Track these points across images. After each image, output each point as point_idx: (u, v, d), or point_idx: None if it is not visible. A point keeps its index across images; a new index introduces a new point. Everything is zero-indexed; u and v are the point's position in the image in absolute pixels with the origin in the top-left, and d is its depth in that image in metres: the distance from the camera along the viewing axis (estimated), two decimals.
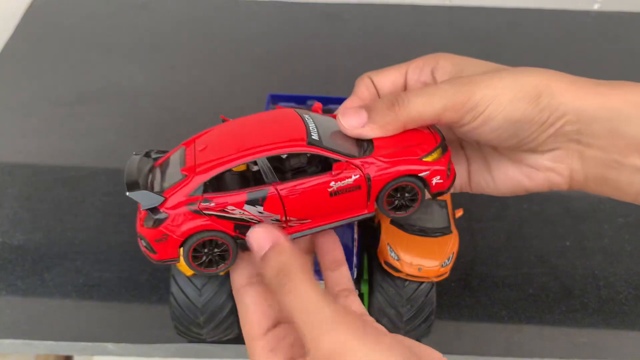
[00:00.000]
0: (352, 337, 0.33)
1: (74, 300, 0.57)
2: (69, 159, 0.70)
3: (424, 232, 0.51)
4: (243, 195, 0.38)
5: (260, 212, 0.38)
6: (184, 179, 0.38)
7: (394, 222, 0.51)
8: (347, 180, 0.38)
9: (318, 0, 0.95)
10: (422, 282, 0.50)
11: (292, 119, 0.40)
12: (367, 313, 0.41)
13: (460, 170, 0.46)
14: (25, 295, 0.58)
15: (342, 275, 0.42)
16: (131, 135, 0.73)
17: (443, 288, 0.57)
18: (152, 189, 0.38)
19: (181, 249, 0.39)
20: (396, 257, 0.49)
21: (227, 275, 0.50)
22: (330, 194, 0.38)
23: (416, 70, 0.45)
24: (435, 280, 0.50)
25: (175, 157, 0.40)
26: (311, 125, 0.40)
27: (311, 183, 0.38)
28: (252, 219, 0.38)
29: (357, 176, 0.38)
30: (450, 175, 0.41)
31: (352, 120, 0.40)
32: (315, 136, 0.39)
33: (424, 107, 0.40)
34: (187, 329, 0.51)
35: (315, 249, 0.43)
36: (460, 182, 0.47)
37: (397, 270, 0.49)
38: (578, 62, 0.87)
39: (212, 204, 0.37)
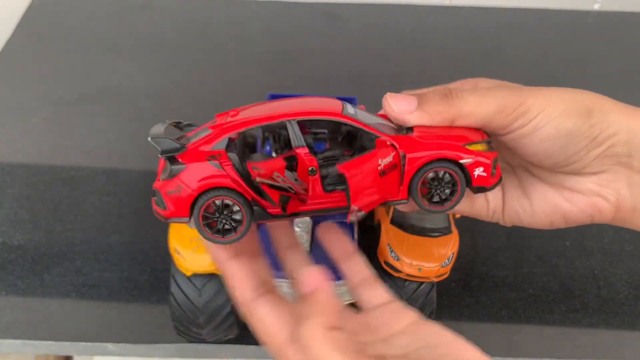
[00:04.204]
0: None
1: (74, 300, 0.57)
2: (69, 159, 0.70)
3: (424, 232, 0.51)
4: (281, 161, 0.37)
5: (295, 179, 0.37)
6: (210, 133, 0.36)
7: (394, 222, 0.51)
8: (387, 158, 0.36)
9: (318, 0, 0.95)
10: (422, 282, 0.50)
11: (330, 100, 0.39)
12: (396, 299, 0.40)
13: (495, 197, 0.43)
14: (25, 295, 0.58)
15: (357, 264, 0.42)
16: (131, 135, 0.73)
17: (443, 288, 0.57)
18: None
19: (193, 210, 0.36)
20: (396, 257, 0.49)
21: None
22: (380, 173, 0.36)
23: (458, 86, 0.43)
24: (435, 280, 0.50)
25: (204, 128, 0.39)
26: (349, 107, 0.38)
27: (361, 157, 0.36)
28: (290, 187, 0.37)
29: (394, 153, 0.36)
30: (496, 174, 0.38)
31: (401, 104, 0.38)
32: (351, 111, 0.37)
33: (477, 105, 0.38)
34: (187, 329, 0.51)
35: (324, 247, 0.42)
36: (494, 209, 0.43)
37: (397, 271, 0.49)
38: (578, 62, 0.87)
39: (262, 171, 0.36)
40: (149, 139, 0.35)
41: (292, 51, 0.87)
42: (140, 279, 0.59)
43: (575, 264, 0.61)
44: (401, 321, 0.39)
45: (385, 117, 0.40)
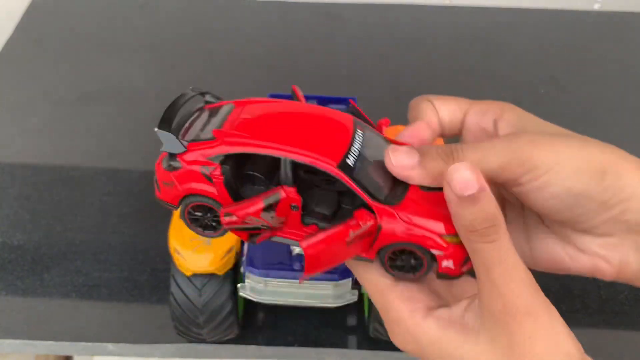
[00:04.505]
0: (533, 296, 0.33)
1: (73, 300, 0.57)
2: (69, 159, 0.70)
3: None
4: (260, 203, 0.36)
5: (272, 217, 0.36)
6: (211, 140, 0.36)
7: None
8: (362, 228, 0.35)
9: (318, 0, 0.95)
10: None
11: (342, 130, 0.37)
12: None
13: None
14: (25, 295, 0.58)
15: None
16: (131, 135, 0.73)
17: None
18: (185, 133, 0.37)
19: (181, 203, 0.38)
20: None
21: (227, 276, 0.50)
22: (347, 243, 0.35)
23: (478, 113, 0.41)
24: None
25: (222, 111, 0.39)
26: (356, 145, 0.36)
27: (330, 232, 0.35)
28: (263, 226, 0.37)
29: (372, 223, 0.35)
30: (466, 266, 0.37)
31: (402, 159, 0.37)
32: (351, 160, 0.35)
33: (479, 164, 0.36)
34: (187, 329, 0.51)
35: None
36: None
37: None
38: (578, 62, 0.87)
39: (234, 218, 0.36)
40: (156, 129, 0.36)
41: (292, 51, 0.87)
42: (140, 279, 0.59)
43: None
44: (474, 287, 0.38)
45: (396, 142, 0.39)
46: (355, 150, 0.36)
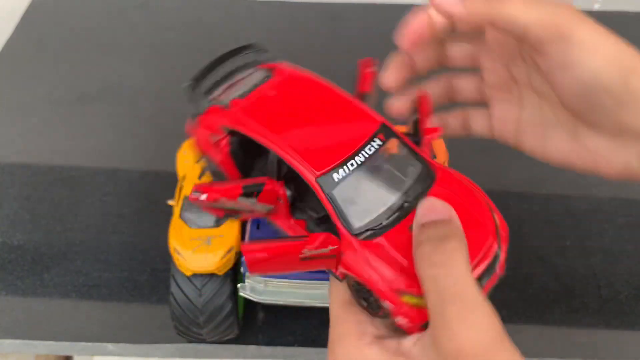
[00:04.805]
0: (494, 342, 0.29)
1: (73, 300, 0.57)
2: (69, 159, 0.70)
3: None
4: (238, 189, 0.34)
5: (254, 204, 0.35)
6: (224, 109, 0.36)
7: None
8: (322, 250, 0.32)
9: (318, 0, 0.95)
10: None
11: (358, 134, 0.34)
12: None
13: (509, 117, 0.43)
14: (25, 295, 0.57)
15: None
16: (131, 135, 0.73)
17: None
18: (227, 89, 0.38)
19: None
20: None
21: (227, 275, 0.50)
22: (302, 258, 0.33)
23: None
24: None
25: (257, 77, 0.39)
26: (362, 156, 0.33)
27: (278, 244, 0.32)
28: (245, 209, 0.35)
29: (333, 248, 0.32)
30: (414, 327, 0.32)
31: None
32: (340, 174, 0.32)
33: (520, 10, 0.36)
34: (187, 329, 0.51)
35: None
36: (502, 130, 0.43)
37: None
38: None
39: (203, 197, 0.33)
40: (187, 84, 0.37)
41: (292, 51, 0.86)
42: (140, 279, 0.59)
43: (575, 264, 0.61)
44: None
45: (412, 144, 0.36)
46: (355, 162, 0.33)
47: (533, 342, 0.55)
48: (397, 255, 0.32)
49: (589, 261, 0.61)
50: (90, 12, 0.93)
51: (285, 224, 0.37)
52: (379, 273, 0.32)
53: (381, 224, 0.33)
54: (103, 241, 0.62)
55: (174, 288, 0.50)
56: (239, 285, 0.50)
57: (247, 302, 0.53)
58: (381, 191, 0.33)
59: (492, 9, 0.37)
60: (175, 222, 0.50)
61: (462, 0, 0.37)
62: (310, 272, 0.47)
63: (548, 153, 0.42)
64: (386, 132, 0.35)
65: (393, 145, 0.35)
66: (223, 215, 0.37)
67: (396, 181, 0.34)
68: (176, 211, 0.51)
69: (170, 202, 0.58)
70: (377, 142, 0.34)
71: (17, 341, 0.54)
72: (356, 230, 0.32)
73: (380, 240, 0.32)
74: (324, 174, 0.32)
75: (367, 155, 0.34)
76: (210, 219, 0.50)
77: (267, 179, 0.35)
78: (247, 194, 0.34)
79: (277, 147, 0.34)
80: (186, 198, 0.51)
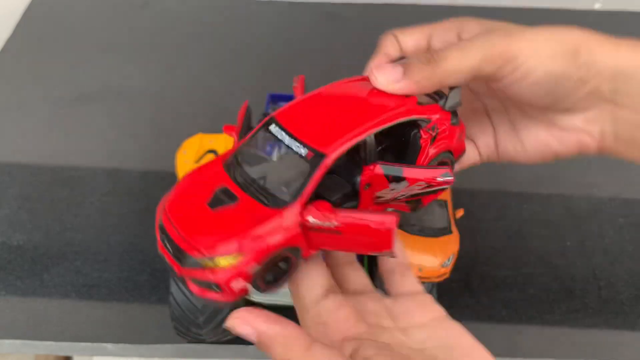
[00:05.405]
0: None
1: (73, 300, 0.57)
2: (69, 159, 0.70)
3: (424, 232, 0.51)
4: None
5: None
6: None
7: None
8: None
9: (318, 0, 0.95)
10: (422, 283, 0.50)
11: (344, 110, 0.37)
12: (425, 292, 0.40)
13: (487, 139, 0.45)
14: (24, 296, 0.57)
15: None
16: (131, 135, 0.73)
17: (443, 288, 0.57)
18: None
19: None
20: None
21: None
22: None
23: (441, 32, 0.44)
24: (436, 280, 0.50)
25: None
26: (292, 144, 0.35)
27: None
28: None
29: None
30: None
31: (388, 75, 0.38)
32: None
33: (460, 60, 0.38)
34: (187, 329, 0.51)
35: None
36: (488, 152, 0.45)
37: None
38: None
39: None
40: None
41: (292, 51, 0.87)
42: (140, 279, 0.59)
43: (575, 264, 0.61)
44: (425, 314, 0.38)
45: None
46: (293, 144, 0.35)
47: (533, 342, 0.55)
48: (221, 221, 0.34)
49: (589, 261, 0.61)
50: (90, 12, 0.93)
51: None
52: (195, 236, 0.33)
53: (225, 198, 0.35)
54: (103, 241, 0.62)
55: (174, 288, 0.49)
56: None
57: (247, 302, 0.53)
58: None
59: (435, 72, 0.38)
60: None
61: (404, 76, 0.38)
62: None
63: (530, 153, 0.44)
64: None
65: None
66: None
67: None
68: None
69: None
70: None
71: (17, 341, 0.54)
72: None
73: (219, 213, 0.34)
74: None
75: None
76: None
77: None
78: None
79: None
80: None
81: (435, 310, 0.38)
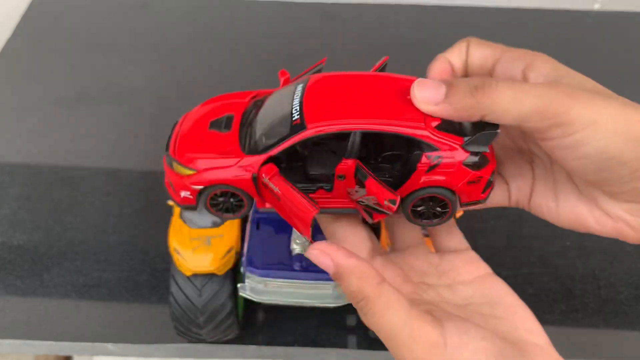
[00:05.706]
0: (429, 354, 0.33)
1: (73, 300, 0.57)
2: (69, 159, 0.70)
3: (423, 232, 0.50)
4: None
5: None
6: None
7: None
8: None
9: (318, 0, 0.95)
10: None
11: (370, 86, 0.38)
12: (471, 250, 0.40)
13: (523, 185, 0.41)
14: (24, 296, 0.57)
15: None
16: (131, 135, 0.73)
17: None
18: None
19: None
20: None
21: (227, 275, 0.50)
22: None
23: (509, 60, 0.39)
24: None
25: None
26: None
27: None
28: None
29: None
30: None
31: (428, 92, 0.35)
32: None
33: (510, 103, 0.34)
34: (187, 329, 0.51)
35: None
36: (519, 198, 0.41)
37: None
38: (578, 62, 0.86)
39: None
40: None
41: (292, 51, 0.87)
42: (140, 279, 0.59)
43: (575, 264, 0.61)
44: (471, 271, 0.38)
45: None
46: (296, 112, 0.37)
47: None
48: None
49: (589, 261, 0.61)
50: (90, 12, 0.93)
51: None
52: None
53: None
54: (103, 241, 0.62)
55: (174, 288, 0.50)
56: (238, 285, 0.50)
57: (247, 302, 0.53)
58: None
59: (480, 104, 0.34)
60: (175, 222, 0.51)
61: (445, 99, 0.35)
62: (310, 272, 0.47)
63: (562, 219, 0.40)
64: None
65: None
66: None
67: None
68: (176, 211, 0.51)
69: (170, 202, 0.58)
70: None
71: (17, 341, 0.54)
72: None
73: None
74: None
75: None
76: (209, 219, 0.50)
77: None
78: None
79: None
80: None
81: (480, 267, 0.38)
